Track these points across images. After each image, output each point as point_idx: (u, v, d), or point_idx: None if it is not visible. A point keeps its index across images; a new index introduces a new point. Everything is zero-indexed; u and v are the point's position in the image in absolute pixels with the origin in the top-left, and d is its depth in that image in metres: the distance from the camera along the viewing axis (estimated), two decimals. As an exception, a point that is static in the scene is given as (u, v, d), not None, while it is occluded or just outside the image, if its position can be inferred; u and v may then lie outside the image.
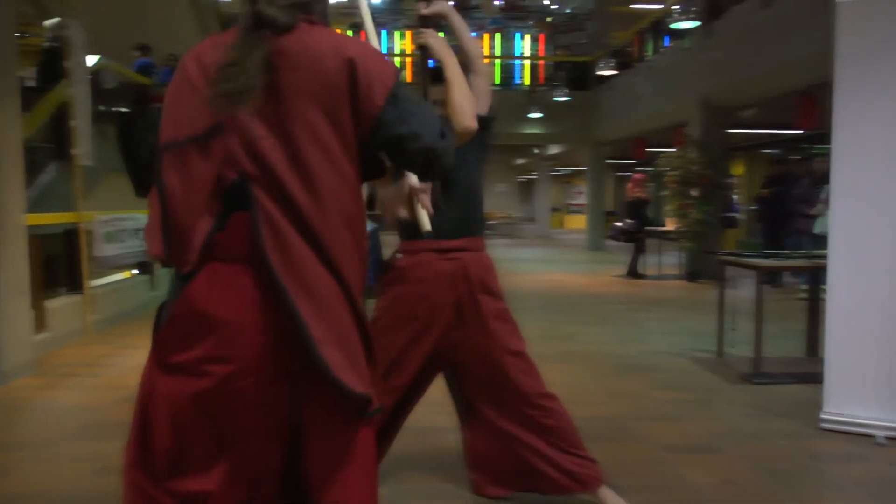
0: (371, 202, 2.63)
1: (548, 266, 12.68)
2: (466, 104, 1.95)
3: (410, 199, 1.88)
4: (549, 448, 2.44)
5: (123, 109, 9.21)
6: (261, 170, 1.24)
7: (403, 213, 1.86)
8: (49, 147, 6.84)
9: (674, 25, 8.13)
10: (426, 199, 1.91)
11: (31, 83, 8.16)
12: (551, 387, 2.50)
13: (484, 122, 2.39)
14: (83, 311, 5.79)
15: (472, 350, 2.45)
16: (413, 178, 1.83)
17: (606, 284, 9.86)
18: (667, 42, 12.04)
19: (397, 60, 16.23)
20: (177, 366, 1.28)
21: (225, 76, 1.22)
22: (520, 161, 24.95)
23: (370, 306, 6.41)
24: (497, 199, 26.71)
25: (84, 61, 6.19)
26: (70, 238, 5.93)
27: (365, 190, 1.50)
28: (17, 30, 5.29)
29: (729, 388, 4.35)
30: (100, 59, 8.06)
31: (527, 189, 28.80)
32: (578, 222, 22.13)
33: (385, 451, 2.59)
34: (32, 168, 6.98)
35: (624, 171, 21.39)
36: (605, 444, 3.20)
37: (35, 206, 6.42)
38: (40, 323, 5.14)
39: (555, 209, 26.77)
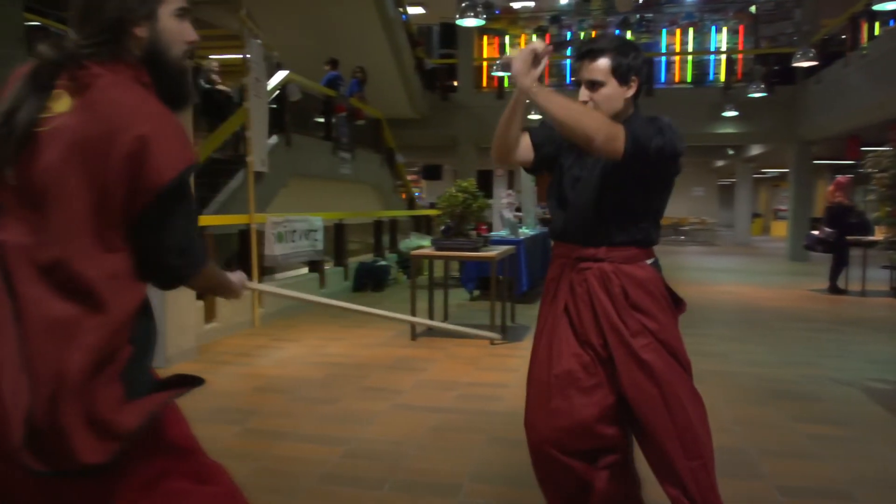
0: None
1: (736, 276, 11.69)
2: (586, 123, 1.84)
3: None
4: None
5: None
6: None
7: None
8: (240, 156, 7.57)
9: (878, 7, 7.10)
10: None
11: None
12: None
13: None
14: (252, 304, 6.36)
15: (626, 384, 2.02)
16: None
17: (797, 299, 8.87)
18: (892, 24, 10.57)
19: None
20: None
21: None
22: (720, 163, 23.30)
23: (523, 312, 6.18)
24: (694, 203, 25.19)
25: (262, 77, 6.77)
26: (244, 238, 6.53)
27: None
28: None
29: (897, 426, 3.71)
30: (287, 74, 8.82)
31: (729, 193, 26.85)
32: (784, 230, 20.17)
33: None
34: (223, 175, 7.82)
35: (840, 172, 19.14)
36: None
37: (223, 208, 7.20)
38: (210, 314, 5.73)
39: (756, 215, 24.65)
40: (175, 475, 1.38)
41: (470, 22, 7.55)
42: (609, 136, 1.86)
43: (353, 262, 9.26)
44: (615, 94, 2.03)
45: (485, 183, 22.38)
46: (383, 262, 9.51)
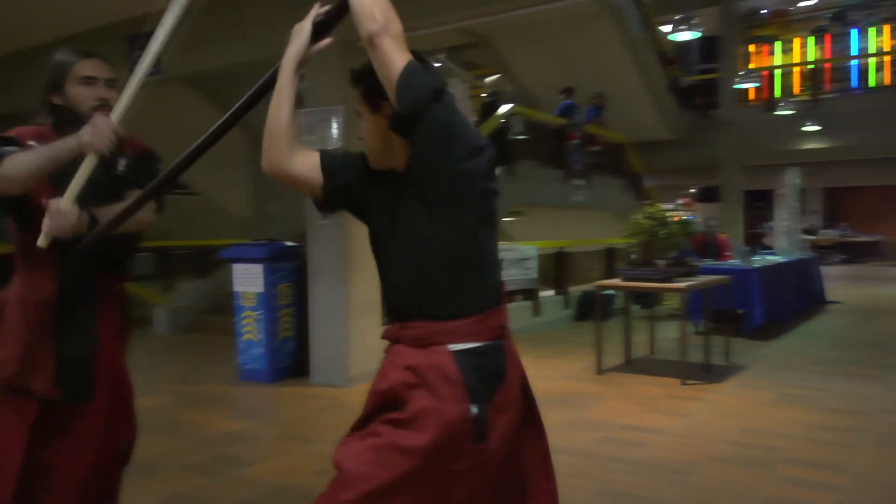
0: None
1: None
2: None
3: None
4: None
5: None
6: None
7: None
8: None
9: None
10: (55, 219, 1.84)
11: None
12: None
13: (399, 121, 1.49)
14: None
15: None
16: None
17: None
18: None
19: (872, 60, 13.73)
20: None
21: None
22: None
23: (748, 349, 5.72)
24: None
25: (465, 114, 7.06)
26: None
27: None
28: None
29: None
30: (510, 108, 9.06)
31: None
32: None
33: None
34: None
35: None
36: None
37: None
38: (404, 339, 6.08)
39: None
40: None
41: (684, 36, 7.06)
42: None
43: (576, 290, 9.10)
44: (370, 124, 1.59)
45: (756, 204, 20.39)
46: (609, 291, 9.18)
